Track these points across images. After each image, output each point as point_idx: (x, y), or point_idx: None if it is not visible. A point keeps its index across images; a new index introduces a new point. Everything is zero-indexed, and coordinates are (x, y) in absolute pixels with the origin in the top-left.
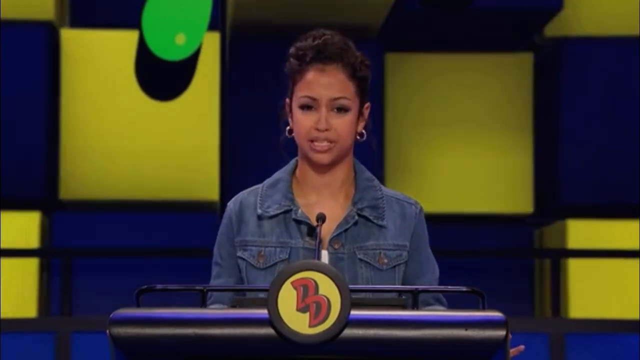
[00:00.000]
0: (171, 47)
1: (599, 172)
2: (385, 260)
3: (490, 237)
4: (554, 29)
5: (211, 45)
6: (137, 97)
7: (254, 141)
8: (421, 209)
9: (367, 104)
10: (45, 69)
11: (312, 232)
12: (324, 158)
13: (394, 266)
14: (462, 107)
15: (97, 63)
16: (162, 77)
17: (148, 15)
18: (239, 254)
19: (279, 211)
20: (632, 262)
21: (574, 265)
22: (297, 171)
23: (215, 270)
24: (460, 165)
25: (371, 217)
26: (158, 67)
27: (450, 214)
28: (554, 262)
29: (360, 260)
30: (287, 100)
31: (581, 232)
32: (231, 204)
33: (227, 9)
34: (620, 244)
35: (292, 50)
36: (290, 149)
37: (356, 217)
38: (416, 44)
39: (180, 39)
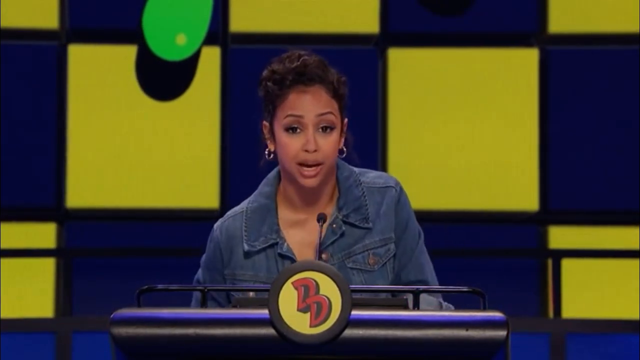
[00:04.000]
0: (172, 47)
1: (602, 175)
2: (374, 260)
3: (494, 236)
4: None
5: (211, 55)
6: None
7: (255, 148)
8: (400, 190)
9: (346, 120)
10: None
11: None
12: (313, 182)
13: (384, 263)
14: (466, 103)
15: (102, 75)
16: (162, 77)
17: (149, 16)
18: None
19: (265, 245)
20: (632, 263)
21: (575, 265)
22: (281, 187)
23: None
24: (464, 161)
25: (357, 222)
26: (159, 67)
27: (454, 210)
28: (555, 262)
29: (351, 268)
30: (266, 123)
31: (582, 232)
32: (217, 231)
33: (228, 16)
34: (620, 245)
35: (266, 73)
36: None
37: (343, 228)
38: (418, 39)
39: (181, 39)
